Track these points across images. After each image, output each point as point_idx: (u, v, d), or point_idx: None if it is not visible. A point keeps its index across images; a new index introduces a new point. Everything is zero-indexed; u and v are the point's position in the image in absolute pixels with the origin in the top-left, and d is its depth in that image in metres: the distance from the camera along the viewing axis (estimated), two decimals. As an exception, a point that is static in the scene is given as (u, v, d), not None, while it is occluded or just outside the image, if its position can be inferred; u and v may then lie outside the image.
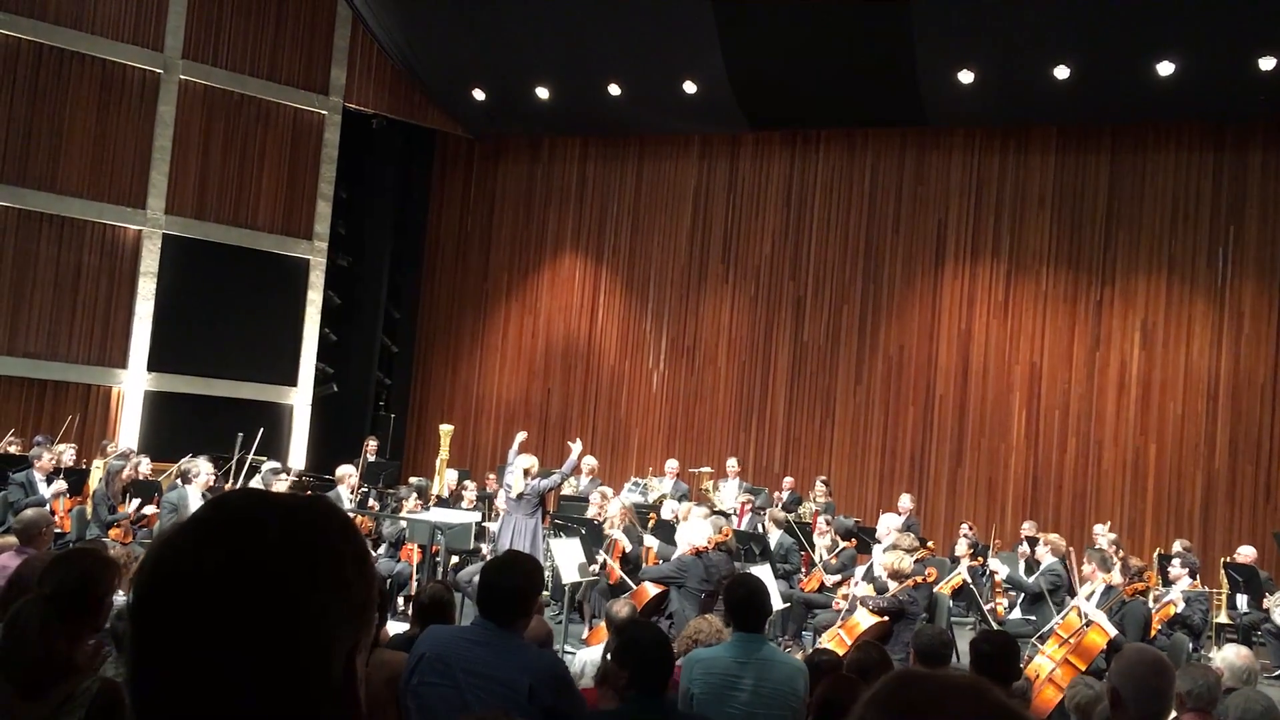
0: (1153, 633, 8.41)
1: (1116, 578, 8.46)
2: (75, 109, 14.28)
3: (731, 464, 13.29)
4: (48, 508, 9.47)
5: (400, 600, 9.86)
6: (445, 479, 12.04)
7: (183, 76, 14.90)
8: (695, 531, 8.58)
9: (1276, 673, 9.89)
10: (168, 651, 0.94)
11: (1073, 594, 8.86)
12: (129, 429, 14.42)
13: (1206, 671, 4.54)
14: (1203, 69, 12.07)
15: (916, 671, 1.11)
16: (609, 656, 3.44)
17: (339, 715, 0.99)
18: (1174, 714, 4.77)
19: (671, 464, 13.30)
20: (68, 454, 11.00)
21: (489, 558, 9.96)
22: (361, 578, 1.01)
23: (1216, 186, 13.36)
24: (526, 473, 9.93)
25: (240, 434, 11.82)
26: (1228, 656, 4.99)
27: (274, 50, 15.56)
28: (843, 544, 10.54)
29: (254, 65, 15.42)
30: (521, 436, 10.56)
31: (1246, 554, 10.84)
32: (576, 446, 10.52)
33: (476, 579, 9.60)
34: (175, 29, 14.83)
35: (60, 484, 10.15)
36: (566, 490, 12.17)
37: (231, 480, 11.24)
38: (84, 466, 11.38)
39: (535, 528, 9.91)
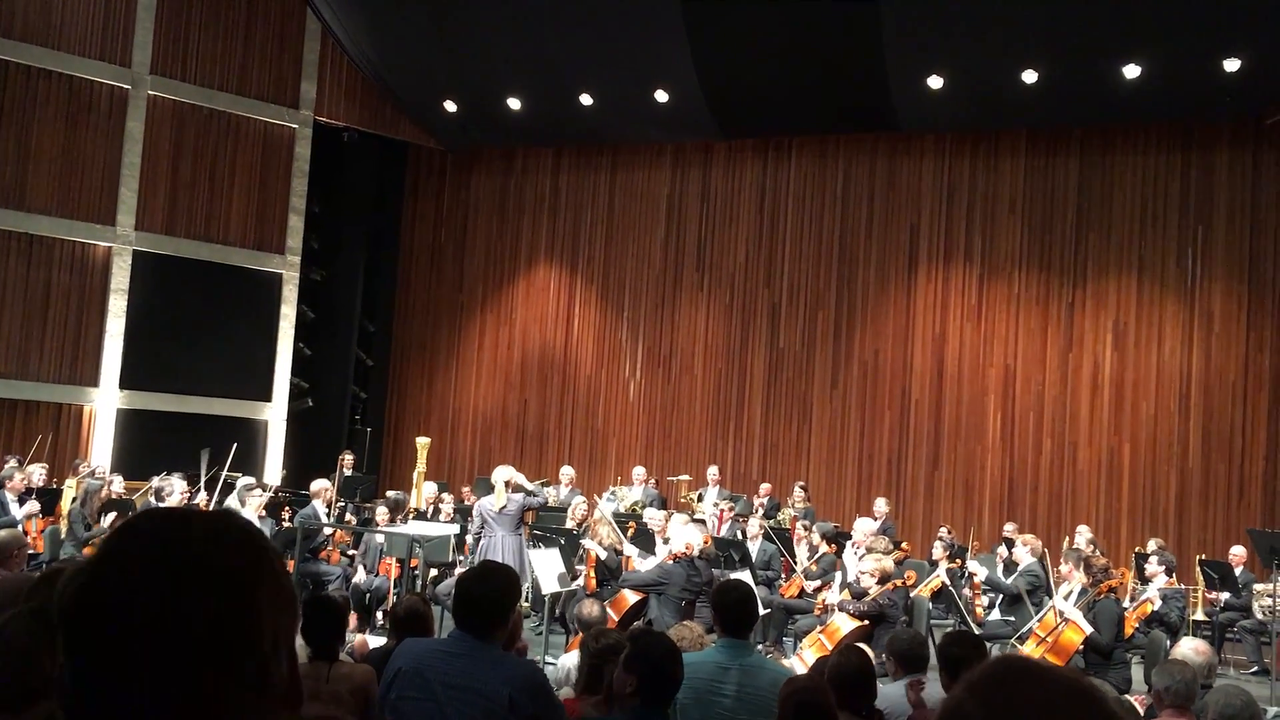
0: (1129, 630, 8.46)
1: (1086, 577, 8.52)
2: (43, 126, 14.16)
3: (712, 472, 13.34)
4: (20, 529, 9.37)
5: (379, 614, 9.81)
6: (423, 492, 11.98)
7: (151, 92, 14.80)
8: (677, 538, 8.58)
9: (1253, 669, 9.98)
10: (111, 673, 0.96)
11: (1051, 594, 8.91)
12: (101, 448, 14.28)
13: (1184, 668, 4.57)
14: (1169, 71, 12.20)
15: (1022, 662, 1.06)
16: (621, 662, 3.43)
17: (289, 702, 1.03)
18: (1149, 706, 4.80)
19: (638, 471, 13.32)
20: (39, 474, 10.89)
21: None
22: (283, 570, 1.06)
23: (1184, 187, 13.49)
24: (507, 485, 9.83)
25: (206, 449, 11.70)
26: (1184, 653, 5.01)
27: (243, 64, 15.48)
28: (822, 549, 10.56)
29: (223, 80, 15.34)
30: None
31: (1237, 554, 10.92)
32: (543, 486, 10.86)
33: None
34: (143, 44, 14.74)
35: (33, 505, 10.04)
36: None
37: (206, 497, 11.14)
38: (56, 486, 11.27)
39: (520, 545, 9.80)
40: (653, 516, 10.57)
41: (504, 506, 9.63)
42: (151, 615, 0.95)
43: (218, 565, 0.99)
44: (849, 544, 10.30)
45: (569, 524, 10.72)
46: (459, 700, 3.16)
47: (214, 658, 0.96)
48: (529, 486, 10.16)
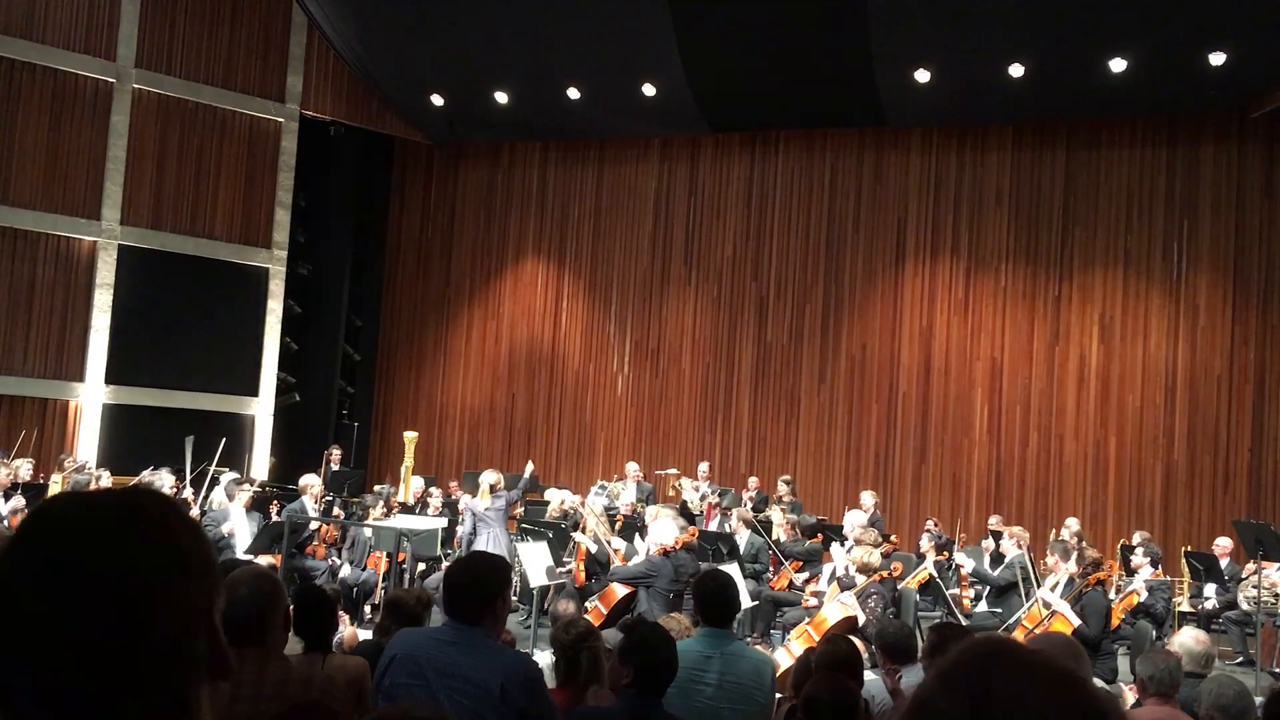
0: (1116, 622, 8.51)
1: (1075, 568, 8.56)
2: (27, 120, 14.07)
3: (702, 468, 13.34)
4: (6, 524, 9.33)
5: (367, 608, 9.81)
6: (410, 486, 11.98)
7: (136, 86, 14.73)
8: (663, 531, 8.60)
9: (1239, 659, 10.04)
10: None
11: (1037, 586, 8.95)
12: (87, 443, 14.22)
13: (1167, 656, 4.60)
14: (1154, 65, 12.24)
15: (999, 647, 0.94)
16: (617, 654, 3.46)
17: (215, 674, 1.02)
18: (1135, 699, 4.83)
19: (631, 467, 13.35)
20: (25, 469, 10.84)
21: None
22: (197, 543, 1.04)
23: (1170, 181, 13.55)
24: (493, 488, 10.09)
25: (190, 437, 11.66)
26: (1184, 642, 5.04)
27: (229, 58, 15.40)
28: (808, 542, 10.60)
29: (209, 73, 15.27)
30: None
31: (1224, 545, 10.97)
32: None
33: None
34: (128, 38, 14.66)
35: (18, 500, 9.99)
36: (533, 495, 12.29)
37: (193, 492, 11.11)
38: (42, 481, 11.22)
39: (510, 540, 9.95)
40: (641, 509, 10.63)
41: (488, 506, 10.00)
42: (50, 594, 0.95)
43: (100, 538, 0.99)
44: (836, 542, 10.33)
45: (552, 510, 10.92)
46: (451, 688, 3.16)
47: (110, 640, 0.95)
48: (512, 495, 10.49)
